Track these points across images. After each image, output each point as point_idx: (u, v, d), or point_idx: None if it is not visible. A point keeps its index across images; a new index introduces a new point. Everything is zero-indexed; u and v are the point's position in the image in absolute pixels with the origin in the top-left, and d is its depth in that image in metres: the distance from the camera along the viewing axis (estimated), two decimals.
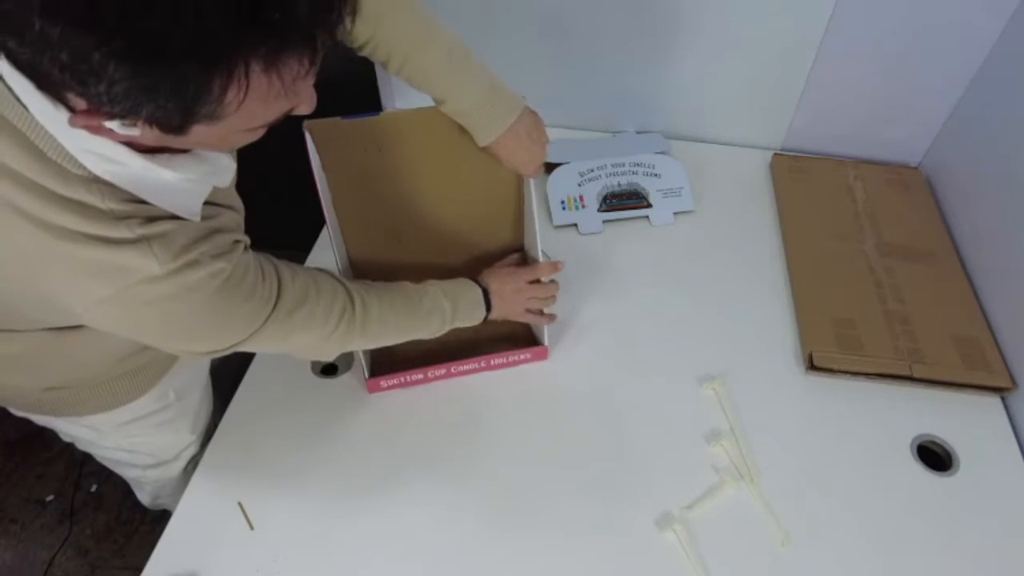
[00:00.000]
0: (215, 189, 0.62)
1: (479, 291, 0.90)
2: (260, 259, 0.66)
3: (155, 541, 0.82)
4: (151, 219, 0.55)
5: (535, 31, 1.24)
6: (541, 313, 0.96)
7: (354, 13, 0.50)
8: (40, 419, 0.86)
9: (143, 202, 0.55)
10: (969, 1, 1.07)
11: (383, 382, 0.95)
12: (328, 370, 0.99)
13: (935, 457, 0.92)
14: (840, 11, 1.12)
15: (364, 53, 0.79)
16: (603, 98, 1.33)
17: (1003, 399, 0.96)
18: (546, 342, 0.98)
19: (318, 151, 0.81)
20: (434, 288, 0.87)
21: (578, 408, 0.95)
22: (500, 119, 0.81)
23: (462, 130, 0.83)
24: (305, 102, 0.54)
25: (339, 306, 0.75)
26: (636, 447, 0.91)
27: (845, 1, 1.10)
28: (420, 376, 0.95)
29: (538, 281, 0.94)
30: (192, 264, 0.56)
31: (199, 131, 0.48)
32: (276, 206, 1.66)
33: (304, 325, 0.71)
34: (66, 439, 0.93)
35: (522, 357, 0.98)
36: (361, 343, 0.83)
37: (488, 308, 0.90)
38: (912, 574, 0.80)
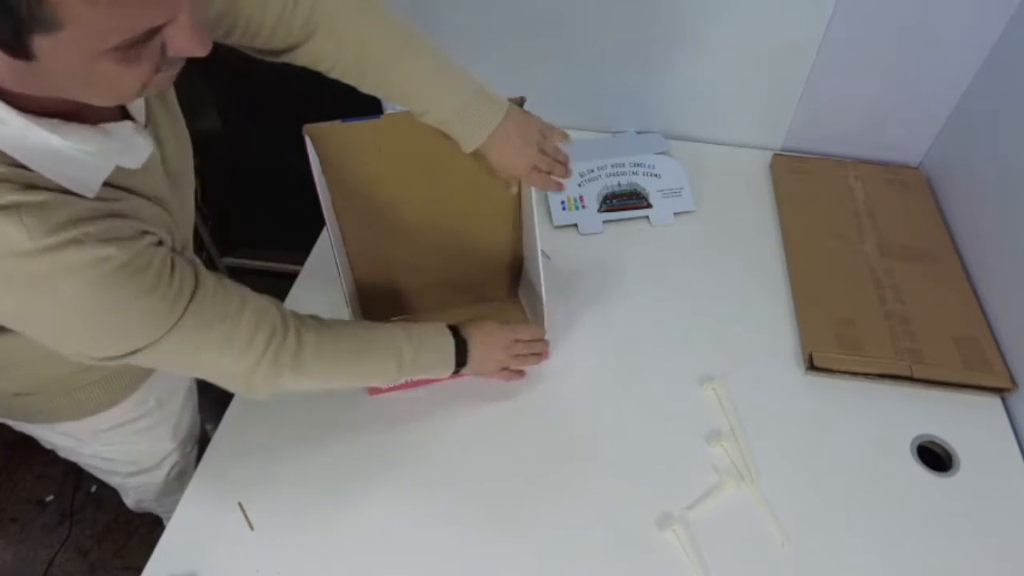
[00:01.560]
0: (148, 180, 0.57)
1: (450, 342, 0.83)
2: (182, 261, 0.60)
3: (155, 541, 0.82)
4: (29, 187, 0.49)
5: (535, 31, 1.24)
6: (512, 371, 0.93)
7: None
8: (17, 426, 0.84)
9: (26, 168, 0.49)
10: (969, 1, 1.07)
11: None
12: None
13: (935, 457, 0.92)
14: (840, 11, 1.12)
15: (334, 75, 0.75)
16: (603, 98, 1.33)
17: (1003, 399, 0.96)
18: (546, 337, 0.98)
19: (318, 154, 0.81)
20: (395, 330, 0.80)
21: (578, 408, 0.95)
22: (484, 123, 0.77)
23: (460, 159, 0.82)
24: (179, 34, 0.46)
25: (266, 332, 0.67)
26: (636, 447, 0.91)
27: (845, 1, 1.10)
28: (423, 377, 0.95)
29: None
30: (72, 243, 0.50)
31: (47, 50, 0.42)
32: (276, 206, 1.66)
33: (222, 344, 0.63)
34: (47, 446, 0.91)
35: None
36: (293, 381, 0.72)
37: (462, 362, 0.84)
38: (912, 574, 0.80)
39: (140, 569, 0.80)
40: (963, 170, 1.18)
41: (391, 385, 0.83)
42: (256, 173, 1.79)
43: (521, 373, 0.94)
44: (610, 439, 0.92)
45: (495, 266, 1.04)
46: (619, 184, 1.24)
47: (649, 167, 1.26)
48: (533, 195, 0.89)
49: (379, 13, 0.74)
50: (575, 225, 1.19)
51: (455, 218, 0.95)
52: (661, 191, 1.23)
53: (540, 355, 0.94)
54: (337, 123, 0.79)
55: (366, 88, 0.76)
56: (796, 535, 0.83)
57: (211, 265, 2.14)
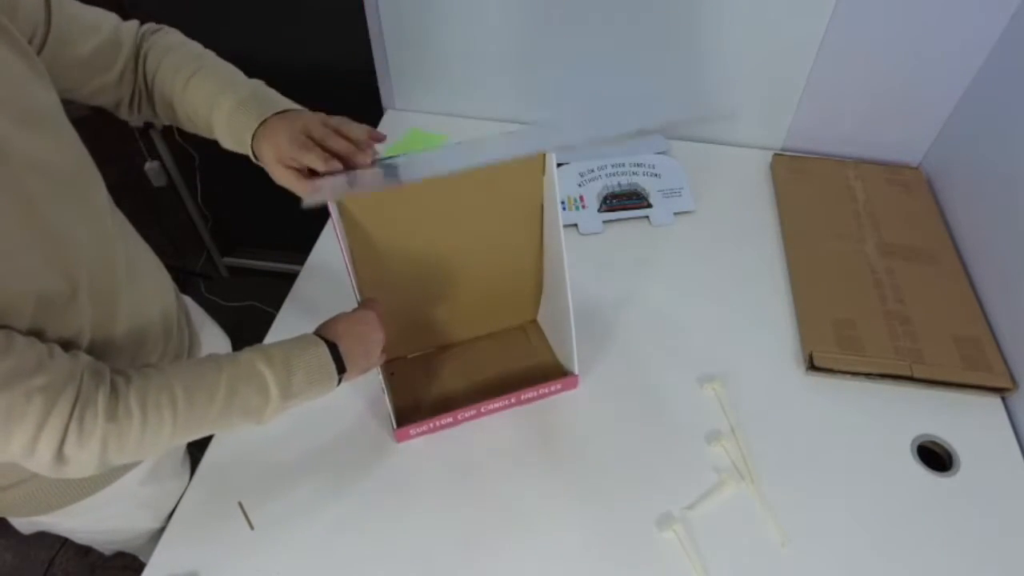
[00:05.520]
0: None
1: (323, 348, 0.70)
2: None
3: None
4: None
5: (535, 31, 1.24)
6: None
7: None
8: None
9: None
10: (969, 1, 1.07)
11: (412, 430, 0.90)
12: None
13: (935, 457, 0.92)
14: (840, 11, 1.12)
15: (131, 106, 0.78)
16: (603, 98, 1.33)
17: (1003, 399, 0.96)
18: (576, 370, 0.94)
19: (340, 217, 0.76)
20: (250, 354, 0.67)
21: (578, 408, 0.95)
22: (249, 119, 0.72)
23: (482, 194, 0.80)
24: None
25: (51, 379, 0.55)
26: (636, 447, 0.91)
27: (845, 1, 1.11)
28: (449, 420, 0.91)
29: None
30: None
31: None
32: (276, 206, 1.66)
33: None
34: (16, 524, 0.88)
35: (552, 389, 0.95)
36: (119, 446, 0.59)
37: (342, 368, 0.72)
38: (912, 574, 0.80)
39: (140, 569, 0.80)
40: (963, 170, 1.18)
41: (268, 421, 0.69)
42: (256, 173, 1.79)
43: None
44: (610, 439, 0.92)
45: (519, 295, 1.00)
46: (619, 184, 1.24)
47: (649, 167, 1.26)
48: (561, 226, 0.85)
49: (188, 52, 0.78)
50: (575, 225, 1.19)
51: (480, 258, 0.91)
52: (661, 191, 1.23)
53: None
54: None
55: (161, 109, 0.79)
56: (796, 535, 0.83)
57: (211, 265, 2.14)
